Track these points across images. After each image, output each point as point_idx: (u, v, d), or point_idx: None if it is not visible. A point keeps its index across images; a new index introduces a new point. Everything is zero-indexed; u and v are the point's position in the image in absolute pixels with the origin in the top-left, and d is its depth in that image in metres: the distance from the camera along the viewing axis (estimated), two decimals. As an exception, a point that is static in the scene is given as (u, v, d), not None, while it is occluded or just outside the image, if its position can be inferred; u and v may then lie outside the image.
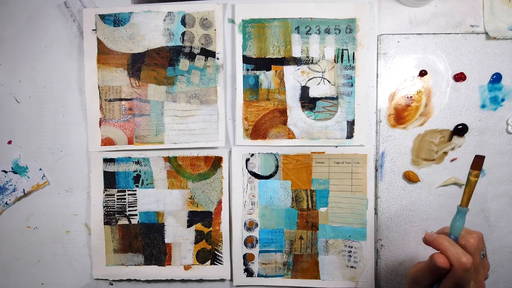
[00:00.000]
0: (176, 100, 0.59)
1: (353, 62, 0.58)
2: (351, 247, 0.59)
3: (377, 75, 0.58)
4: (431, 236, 0.42)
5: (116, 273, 0.61)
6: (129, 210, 0.60)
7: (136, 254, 0.61)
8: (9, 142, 0.61)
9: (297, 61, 0.59)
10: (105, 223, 0.61)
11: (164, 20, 0.59)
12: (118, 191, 0.60)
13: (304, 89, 0.59)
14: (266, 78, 0.59)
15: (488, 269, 0.43)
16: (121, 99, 0.60)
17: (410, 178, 0.58)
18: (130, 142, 0.60)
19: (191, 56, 0.59)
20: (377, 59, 0.58)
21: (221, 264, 0.60)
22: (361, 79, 0.58)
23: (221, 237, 0.60)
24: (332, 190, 0.59)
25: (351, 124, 0.58)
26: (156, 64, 0.59)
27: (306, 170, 0.59)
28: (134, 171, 0.60)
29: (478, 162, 0.41)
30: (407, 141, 0.58)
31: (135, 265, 0.61)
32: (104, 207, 0.61)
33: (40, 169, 0.61)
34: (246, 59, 0.59)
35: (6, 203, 0.61)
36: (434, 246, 0.41)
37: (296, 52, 0.59)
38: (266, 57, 0.59)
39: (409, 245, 0.59)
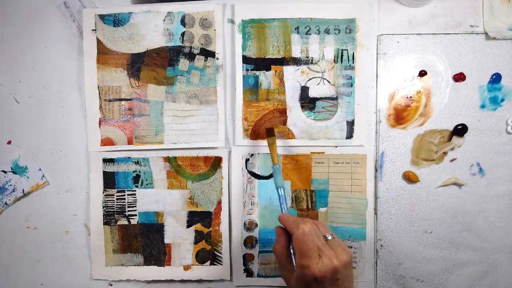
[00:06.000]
0: (176, 100, 0.59)
1: (353, 62, 0.58)
2: (351, 247, 0.59)
3: (377, 75, 0.59)
4: (279, 216, 0.47)
5: (115, 274, 0.61)
6: (128, 210, 0.60)
7: (135, 254, 0.61)
8: (9, 142, 0.61)
9: (296, 61, 0.59)
10: (105, 223, 0.61)
11: (164, 20, 0.59)
12: (118, 191, 0.60)
13: (304, 89, 0.59)
14: (266, 78, 0.59)
15: (343, 249, 0.43)
16: (120, 99, 0.60)
17: (409, 178, 0.58)
18: (129, 142, 0.60)
19: (190, 56, 0.59)
20: (377, 59, 0.58)
21: (221, 264, 0.60)
22: (361, 79, 0.58)
23: (221, 237, 0.60)
24: (331, 190, 0.59)
25: (350, 124, 0.58)
26: (156, 64, 0.59)
27: (306, 170, 0.59)
28: (133, 171, 0.60)
29: (269, 132, 0.54)
30: (407, 141, 0.58)
31: (135, 265, 0.61)
32: (103, 207, 0.60)
33: (40, 169, 0.61)
34: (245, 59, 0.59)
35: (5, 203, 0.61)
36: (281, 223, 0.46)
37: (296, 52, 0.59)
38: (266, 57, 0.59)
39: (409, 245, 0.59)
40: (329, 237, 0.44)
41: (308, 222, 0.43)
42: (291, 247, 0.46)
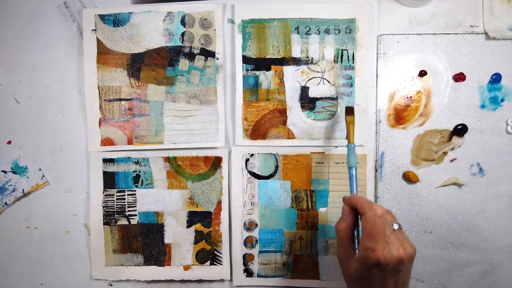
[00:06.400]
0: (176, 100, 0.59)
1: (353, 62, 0.58)
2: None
3: (377, 75, 0.59)
4: (348, 197, 0.47)
5: (115, 274, 0.61)
6: (128, 210, 0.60)
7: (135, 254, 0.61)
8: (9, 142, 0.61)
9: (296, 61, 0.59)
10: (105, 223, 0.61)
11: (164, 20, 0.59)
12: (118, 191, 0.60)
13: (304, 89, 0.59)
14: (266, 78, 0.59)
15: (408, 243, 0.42)
16: (120, 99, 0.60)
17: (409, 178, 0.58)
18: (129, 142, 0.60)
19: (190, 56, 0.59)
20: (377, 59, 0.58)
21: (221, 264, 0.60)
22: (361, 79, 0.58)
23: (221, 237, 0.60)
24: (331, 190, 0.59)
25: (350, 124, 0.58)
26: (156, 64, 0.59)
27: (306, 170, 0.59)
28: (133, 171, 0.60)
29: (349, 111, 0.55)
30: (407, 141, 0.58)
31: (135, 265, 0.61)
32: (103, 207, 0.60)
33: (40, 169, 0.61)
34: (245, 59, 0.59)
35: (5, 203, 0.61)
36: (352, 203, 0.45)
37: (296, 52, 0.59)
38: (266, 57, 0.59)
39: (409, 245, 0.59)
40: (396, 227, 0.42)
41: (381, 206, 0.42)
42: (355, 230, 0.45)
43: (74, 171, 0.61)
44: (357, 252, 0.43)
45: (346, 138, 0.57)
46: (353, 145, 0.52)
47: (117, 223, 0.61)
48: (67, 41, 0.61)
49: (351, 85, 0.58)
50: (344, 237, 0.44)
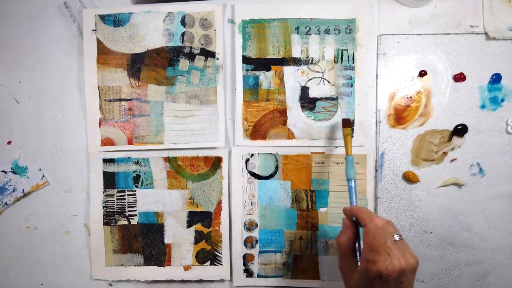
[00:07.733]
0: (176, 100, 0.59)
1: (353, 63, 0.58)
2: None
3: (377, 75, 0.59)
4: (348, 208, 0.47)
5: (115, 274, 0.61)
6: (128, 211, 0.60)
7: (135, 254, 0.61)
8: (9, 143, 0.61)
9: (297, 62, 0.59)
10: (105, 224, 0.61)
11: (164, 20, 0.59)
12: (118, 192, 0.60)
13: (304, 90, 0.59)
14: (266, 78, 0.59)
15: (410, 253, 0.42)
16: (121, 99, 0.60)
17: (409, 178, 0.58)
18: (129, 142, 0.60)
19: (191, 56, 0.59)
20: (377, 60, 0.58)
21: (221, 264, 0.60)
22: (361, 79, 0.58)
23: (221, 238, 0.60)
24: (331, 191, 0.59)
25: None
26: (156, 65, 0.59)
27: (306, 171, 0.59)
28: (133, 172, 0.60)
29: (346, 123, 0.54)
30: (407, 142, 0.58)
31: (135, 265, 0.61)
32: (103, 208, 0.60)
33: (40, 169, 0.61)
34: (245, 60, 0.59)
35: (5, 204, 0.61)
36: (352, 214, 0.45)
37: (296, 53, 0.59)
38: (266, 57, 0.59)
39: (409, 245, 0.59)
40: (397, 238, 0.42)
41: (382, 218, 0.42)
42: (356, 242, 0.45)
43: (74, 171, 0.61)
44: (358, 264, 0.43)
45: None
46: (351, 157, 0.52)
47: (117, 223, 0.61)
48: (67, 41, 0.61)
49: (351, 85, 0.58)
50: (346, 250, 0.44)
